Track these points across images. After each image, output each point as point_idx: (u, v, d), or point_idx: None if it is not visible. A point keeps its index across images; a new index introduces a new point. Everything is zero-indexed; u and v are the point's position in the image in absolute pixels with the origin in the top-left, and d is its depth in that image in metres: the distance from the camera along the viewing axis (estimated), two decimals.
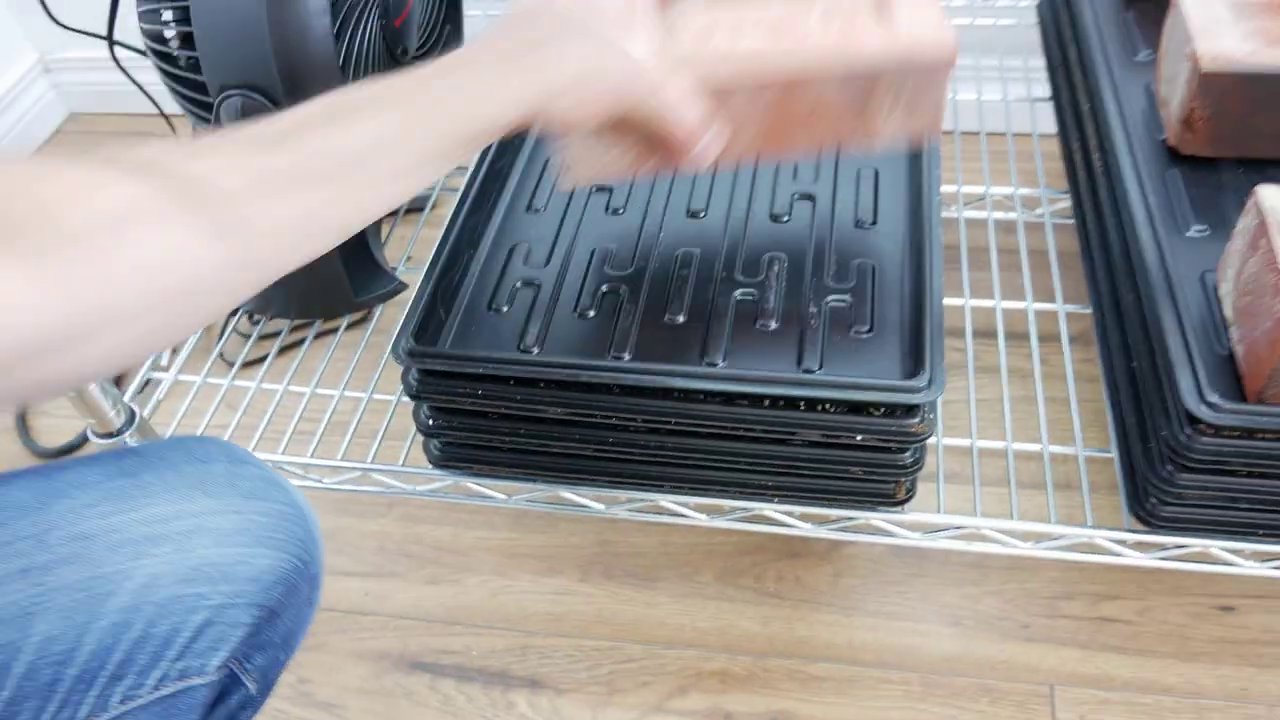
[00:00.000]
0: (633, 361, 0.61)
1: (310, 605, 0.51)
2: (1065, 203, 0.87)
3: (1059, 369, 0.75)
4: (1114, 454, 0.65)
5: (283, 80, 0.67)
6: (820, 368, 0.60)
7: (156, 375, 0.79)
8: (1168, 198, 0.66)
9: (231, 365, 0.81)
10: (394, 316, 1.03)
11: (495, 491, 0.69)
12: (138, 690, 0.45)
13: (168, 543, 0.45)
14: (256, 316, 0.91)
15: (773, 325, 0.62)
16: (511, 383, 0.59)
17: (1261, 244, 0.54)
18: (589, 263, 0.68)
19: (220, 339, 0.97)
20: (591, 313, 0.64)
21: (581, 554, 0.88)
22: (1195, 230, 0.64)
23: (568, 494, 0.67)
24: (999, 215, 0.89)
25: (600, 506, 0.68)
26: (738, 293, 0.65)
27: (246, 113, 0.69)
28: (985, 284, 0.82)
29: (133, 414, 0.70)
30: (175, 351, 0.81)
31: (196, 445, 0.49)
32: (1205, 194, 0.66)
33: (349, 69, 0.71)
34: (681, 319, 0.63)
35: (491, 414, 0.62)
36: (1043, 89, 0.95)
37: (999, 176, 0.93)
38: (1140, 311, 0.61)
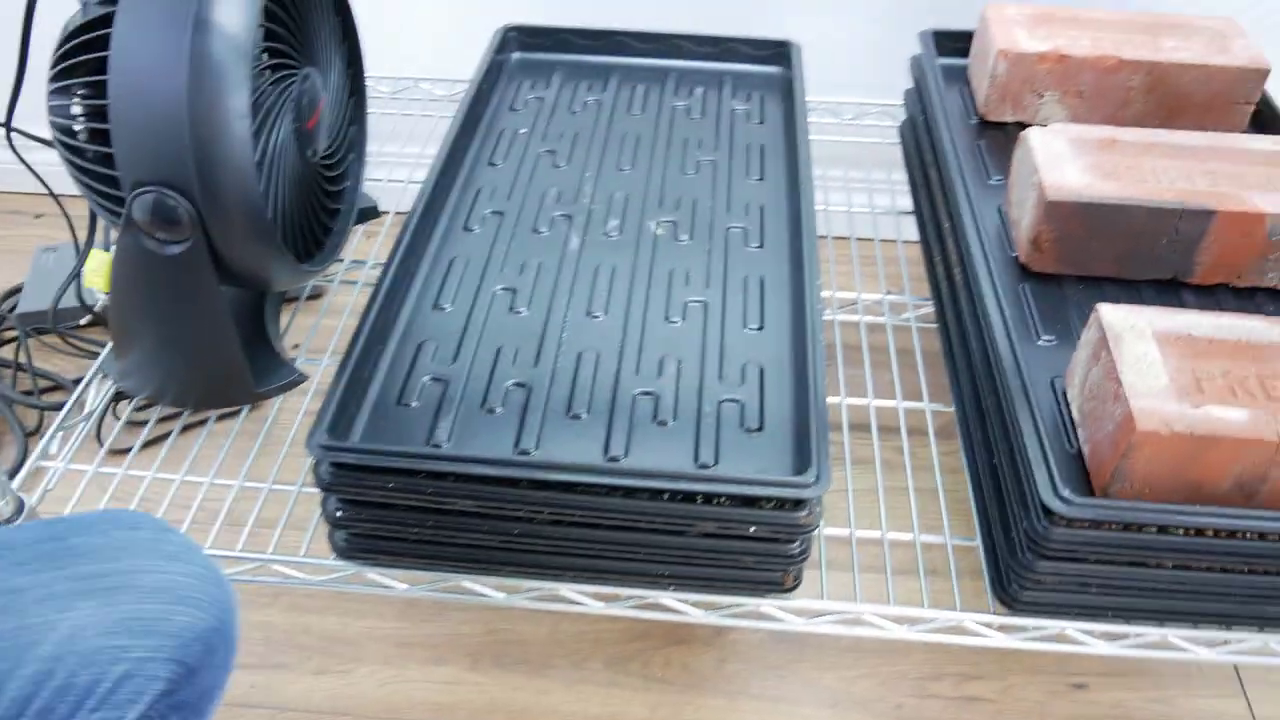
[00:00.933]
0: (540, 456, 0.64)
1: (225, 670, 0.52)
2: (928, 308, 0.94)
3: (927, 461, 0.82)
4: (978, 542, 0.70)
5: (200, 180, 0.69)
6: (716, 463, 0.64)
7: (45, 464, 0.78)
8: (1020, 309, 0.73)
9: (124, 453, 0.80)
10: (291, 404, 1.03)
11: (396, 581, 0.70)
12: None
13: (94, 597, 0.47)
14: (145, 404, 0.90)
15: (670, 422, 0.66)
16: (422, 476, 0.61)
17: (1103, 356, 0.61)
18: (495, 360, 0.71)
19: (101, 427, 0.95)
20: (499, 408, 0.67)
21: (471, 642, 0.89)
22: (1044, 339, 0.71)
23: (469, 583, 0.69)
24: (869, 319, 0.96)
25: (501, 595, 0.70)
26: (637, 391, 0.69)
27: (160, 209, 0.70)
28: (858, 381, 0.89)
29: (21, 503, 0.69)
30: (66, 439, 0.79)
31: (125, 514, 0.52)
32: (1052, 306, 0.74)
33: (263, 169, 0.73)
34: (585, 415, 0.67)
35: (400, 506, 0.63)
36: (906, 201, 1.04)
37: (869, 282, 1.01)
38: (1000, 412, 0.68)
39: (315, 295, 1.15)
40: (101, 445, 0.82)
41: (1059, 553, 0.61)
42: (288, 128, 0.75)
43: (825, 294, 0.99)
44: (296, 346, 0.91)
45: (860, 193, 1.24)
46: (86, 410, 0.83)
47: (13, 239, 1.38)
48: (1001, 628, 0.68)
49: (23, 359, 1.15)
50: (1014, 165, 0.80)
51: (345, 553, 0.67)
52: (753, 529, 0.61)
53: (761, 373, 0.70)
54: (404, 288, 0.76)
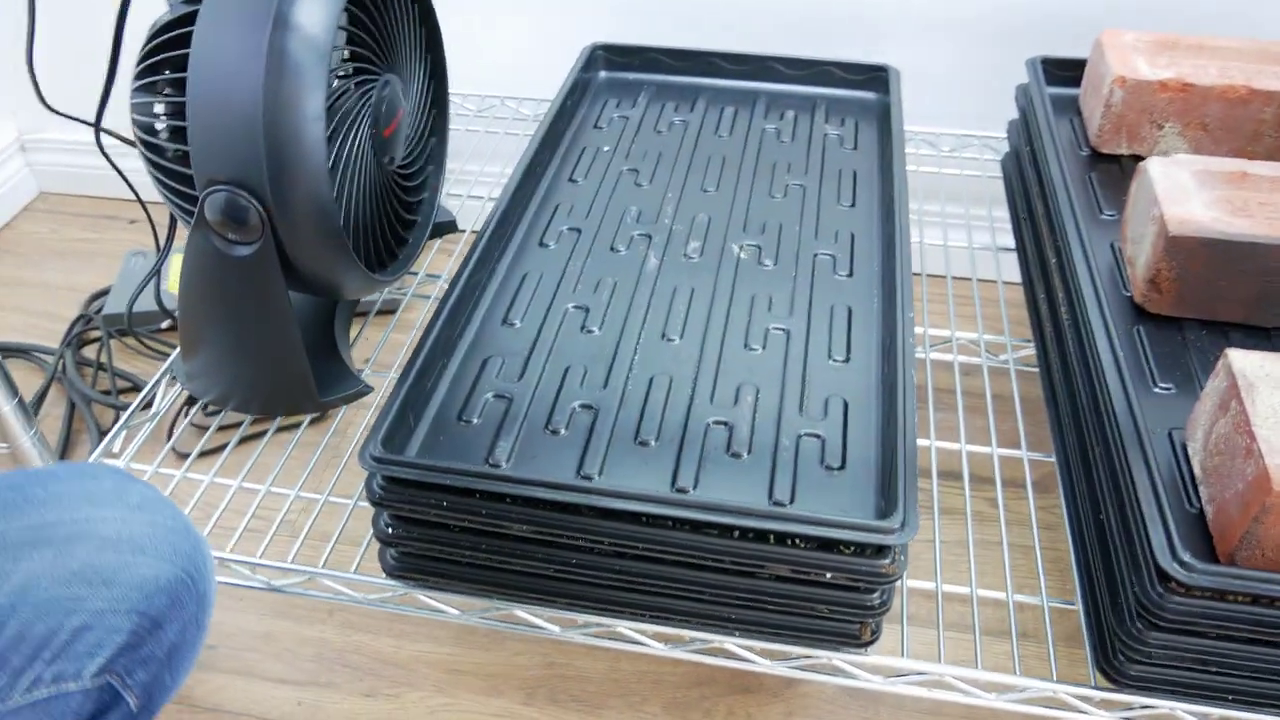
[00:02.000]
0: (603, 483, 0.60)
1: (199, 627, 0.50)
2: (1029, 350, 0.88)
3: (1022, 515, 0.76)
4: (1079, 606, 0.64)
5: (272, 182, 0.67)
6: (792, 501, 0.59)
7: (106, 460, 0.77)
8: (1135, 353, 0.67)
9: (185, 457, 0.79)
10: (354, 418, 1.02)
11: (448, 606, 0.67)
12: (9, 691, 0.43)
13: (49, 547, 0.45)
14: (213, 409, 0.89)
15: (745, 455, 0.62)
16: (478, 496, 0.58)
17: (1232, 406, 0.55)
18: (562, 380, 0.67)
19: (171, 431, 0.94)
20: (563, 430, 0.63)
21: (527, 675, 0.85)
22: (1162, 387, 0.65)
23: (523, 613, 0.65)
24: (964, 359, 0.90)
25: (555, 629, 0.66)
26: (710, 420, 0.64)
27: (231, 208, 0.68)
28: (950, 425, 0.83)
29: None
30: (128, 439, 0.78)
31: (86, 466, 0.50)
32: (1170, 352, 0.67)
33: (336, 173, 0.71)
34: (654, 442, 0.63)
35: (454, 527, 0.60)
36: (1007, 239, 0.98)
37: (964, 321, 0.95)
38: (1110, 463, 0.62)
39: (387, 310, 1.14)
40: (163, 448, 0.81)
41: (1174, 624, 0.54)
42: (365, 133, 0.73)
43: (917, 330, 0.93)
44: (367, 361, 0.89)
45: (958, 229, 1.18)
46: (152, 411, 0.82)
47: (106, 242, 1.41)
48: (1103, 703, 0.62)
49: (104, 359, 1.16)
50: (1131, 198, 0.74)
51: (395, 572, 0.64)
52: (829, 575, 0.56)
53: (846, 407, 0.65)
54: (473, 300, 0.73)
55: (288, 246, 0.70)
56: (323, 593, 0.69)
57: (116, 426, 0.79)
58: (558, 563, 0.60)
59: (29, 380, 1.15)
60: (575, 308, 0.73)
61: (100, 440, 1.06)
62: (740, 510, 0.55)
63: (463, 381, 0.67)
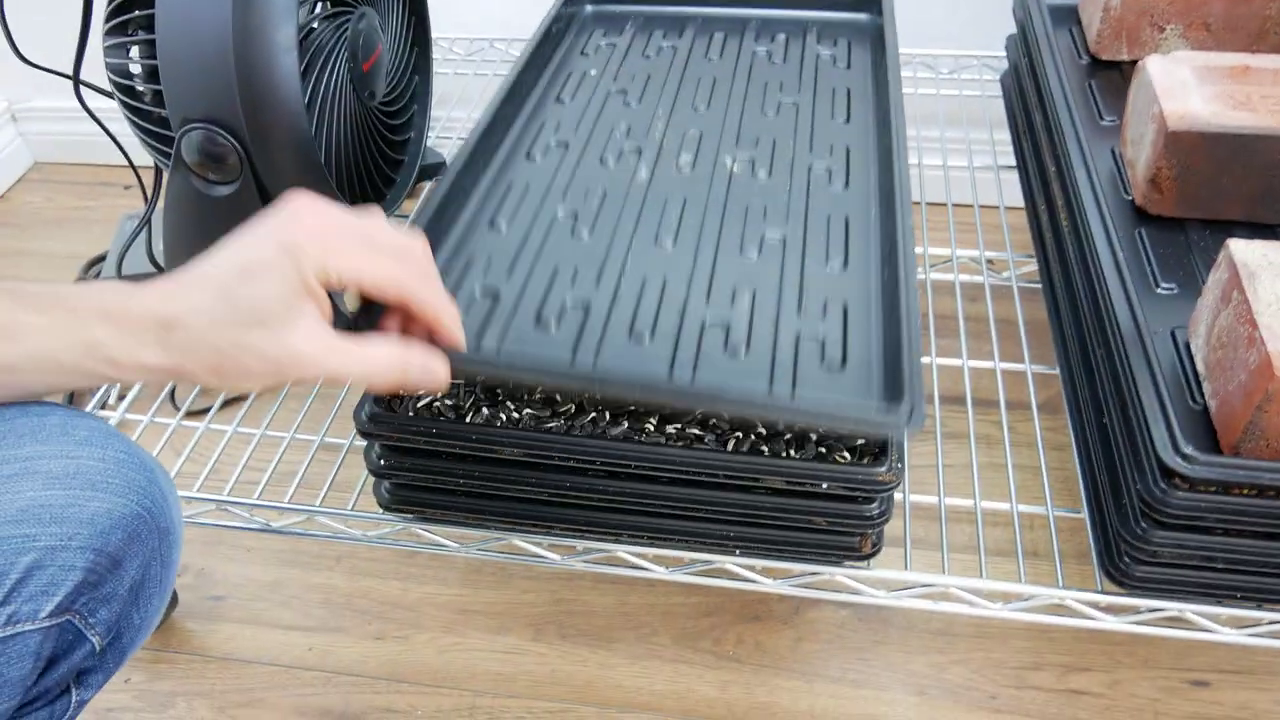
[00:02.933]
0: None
1: (164, 563, 0.48)
2: (1031, 266, 0.87)
3: (1028, 436, 0.74)
4: (1085, 513, 0.63)
5: (246, 116, 0.66)
6: (792, 400, 0.57)
7: (102, 414, 0.76)
8: (1137, 255, 0.66)
9: (189, 412, 0.78)
10: None
11: (447, 539, 0.66)
12: None
13: None
14: None
15: (742, 354, 0.60)
16: (464, 392, 0.56)
17: (1234, 296, 0.53)
18: (552, 279, 0.64)
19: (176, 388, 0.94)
20: (554, 326, 0.61)
21: (535, 612, 0.85)
22: (1164, 288, 0.63)
23: (522, 542, 0.65)
24: (965, 278, 0.89)
25: (555, 557, 0.65)
26: (706, 318, 0.62)
27: (208, 146, 0.67)
28: (952, 350, 0.81)
29: None
30: (123, 393, 0.78)
31: (34, 403, 0.47)
32: (1172, 253, 0.66)
33: (314, 108, 0.70)
34: (649, 339, 0.60)
35: (445, 454, 0.59)
36: (1008, 160, 0.96)
37: (966, 244, 0.93)
38: (1112, 365, 0.60)
39: None
40: (174, 401, 0.81)
41: (1179, 521, 0.53)
42: (342, 68, 0.72)
43: (917, 251, 0.91)
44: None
45: (959, 155, 1.16)
46: None
47: (102, 209, 1.40)
48: (1110, 608, 0.61)
49: None
50: (1130, 98, 0.72)
51: (390, 505, 0.63)
52: (825, 485, 0.55)
53: (845, 310, 0.63)
54: (457, 205, 0.71)
55: (269, 184, 0.69)
56: (321, 531, 0.68)
57: None
58: (551, 487, 0.59)
59: None
60: (565, 215, 0.71)
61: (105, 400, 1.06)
62: (739, 399, 0.53)
63: (446, 281, 0.65)
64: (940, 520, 0.66)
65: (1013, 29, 0.98)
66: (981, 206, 0.95)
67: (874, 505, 0.57)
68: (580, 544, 0.64)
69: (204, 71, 0.65)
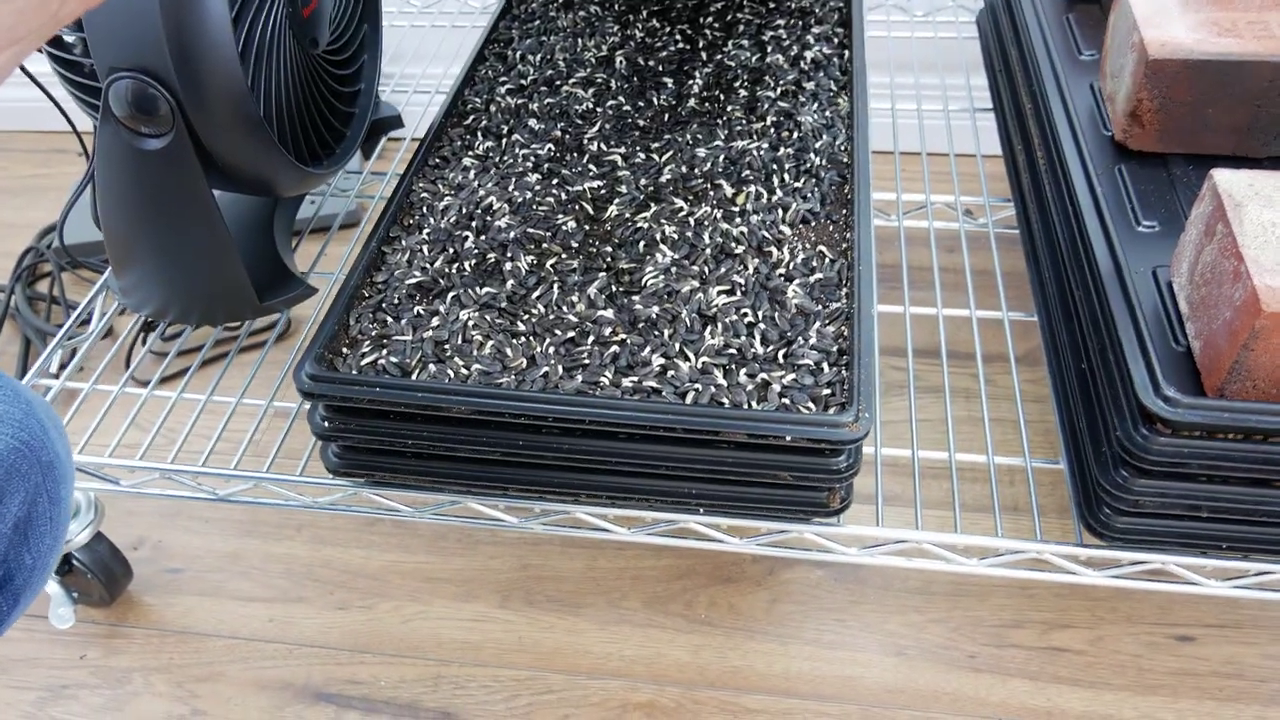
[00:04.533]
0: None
1: (53, 500, 0.46)
2: (1008, 211, 0.84)
3: (1006, 389, 0.71)
4: (1064, 464, 0.60)
5: (176, 64, 0.62)
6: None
7: (41, 381, 0.73)
8: (1117, 191, 0.62)
9: (139, 381, 0.75)
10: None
11: (401, 504, 0.63)
12: None
13: None
14: (154, 322, 0.85)
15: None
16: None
17: (1218, 229, 0.50)
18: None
19: (130, 356, 0.90)
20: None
21: (501, 578, 0.82)
22: (1145, 225, 0.60)
23: (478, 505, 0.62)
24: (940, 224, 0.86)
25: (512, 520, 0.62)
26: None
27: (136, 97, 0.63)
28: (927, 301, 0.78)
29: None
30: (69, 363, 0.74)
31: None
32: (1154, 189, 0.63)
33: (250, 55, 0.66)
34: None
35: (391, 414, 0.56)
36: (984, 104, 0.92)
37: (941, 189, 0.90)
38: (1091, 307, 0.57)
39: (352, 224, 1.09)
40: (129, 368, 0.77)
41: (1161, 468, 0.51)
42: (280, 13, 0.68)
43: (888, 196, 0.88)
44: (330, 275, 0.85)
45: (934, 101, 1.13)
46: (92, 328, 0.78)
47: (56, 176, 1.36)
48: (1090, 561, 0.58)
49: (56, 292, 1.12)
50: (1110, 29, 0.69)
51: (338, 470, 0.60)
52: (789, 438, 0.52)
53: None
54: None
55: (204, 136, 0.65)
56: (269, 499, 0.66)
57: (50, 346, 0.75)
58: (504, 446, 0.56)
59: None
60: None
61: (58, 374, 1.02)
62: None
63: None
64: (914, 474, 0.64)
65: None
66: (958, 155, 0.92)
67: (841, 458, 0.54)
68: (538, 506, 0.61)
69: (129, 16, 0.61)
